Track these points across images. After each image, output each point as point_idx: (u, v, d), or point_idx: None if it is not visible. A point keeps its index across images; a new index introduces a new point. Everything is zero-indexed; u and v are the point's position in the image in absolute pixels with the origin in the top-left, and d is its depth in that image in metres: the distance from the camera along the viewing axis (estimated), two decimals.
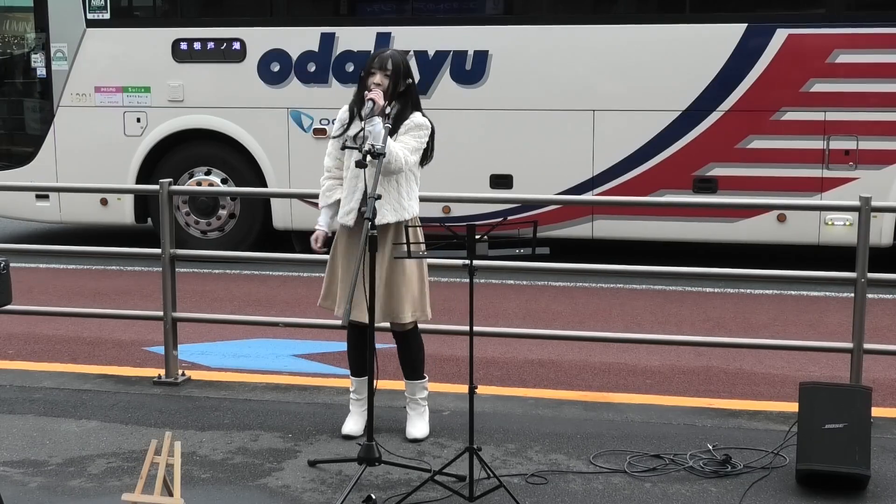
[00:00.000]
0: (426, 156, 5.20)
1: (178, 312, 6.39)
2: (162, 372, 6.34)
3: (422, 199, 5.26)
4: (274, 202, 10.32)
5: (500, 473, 4.73)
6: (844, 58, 9.17)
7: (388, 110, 4.97)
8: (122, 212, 10.43)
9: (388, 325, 5.26)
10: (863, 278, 5.59)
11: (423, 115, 5.17)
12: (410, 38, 9.79)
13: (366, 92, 4.99)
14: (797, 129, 9.28)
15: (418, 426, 5.34)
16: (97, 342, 7.49)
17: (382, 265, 5.06)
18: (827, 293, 8.82)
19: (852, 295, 5.69)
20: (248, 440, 5.36)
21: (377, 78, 5.03)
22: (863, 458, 4.70)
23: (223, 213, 10.47)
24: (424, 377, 5.38)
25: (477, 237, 4.61)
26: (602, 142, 9.66)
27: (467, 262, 4.64)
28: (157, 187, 6.27)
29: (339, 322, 5.08)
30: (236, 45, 10.20)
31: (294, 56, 10.09)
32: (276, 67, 10.13)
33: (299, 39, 10.08)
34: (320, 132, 9.97)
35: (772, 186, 9.29)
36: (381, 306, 5.05)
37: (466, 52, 9.82)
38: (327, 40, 10.03)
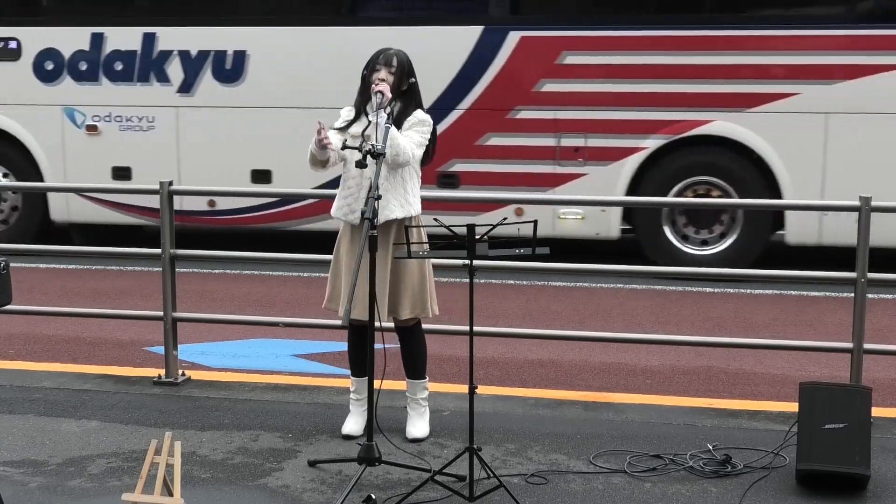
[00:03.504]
0: (427, 155, 5.20)
1: (178, 312, 6.39)
2: (162, 372, 6.34)
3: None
4: (51, 196, 10.74)
5: (500, 473, 4.73)
6: (572, 59, 9.61)
7: (387, 108, 4.96)
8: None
9: (391, 324, 5.25)
10: (863, 278, 5.60)
11: (425, 111, 5.17)
12: (174, 38, 10.35)
13: (373, 85, 4.99)
14: (531, 127, 9.73)
15: (418, 426, 5.34)
16: (97, 342, 7.49)
17: (387, 262, 5.06)
18: (827, 293, 8.82)
19: (852, 295, 5.69)
20: (248, 440, 5.36)
21: (382, 74, 5.05)
22: (863, 458, 4.70)
23: (5, 206, 10.94)
24: (425, 377, 5.38)
25: (477, 237, 4.61)
26: None
27: (467, 262, 4.64)
28: (156, 187, 6.29)
29: (339, 322, 5.07)
30: (12, 44, 10.63)
31: (67, 55, 10.48)
32: (50, 66, 10.55)
33: (71, 39, 10.47)
34: (92, 129, 10.43)
35: (510, 182, 9.73)
36: (384, 303, 5.05)
37: (226, 52, 10.26)
38: (97, 40, 10.42)
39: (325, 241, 9.68)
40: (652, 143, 9.59)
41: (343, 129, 5.16)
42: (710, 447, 5.14)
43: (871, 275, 5.62)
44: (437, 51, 9.66)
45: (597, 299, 8.88)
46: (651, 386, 6.51)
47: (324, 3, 10.46)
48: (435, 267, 5.45)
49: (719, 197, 9.54)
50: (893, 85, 9.18)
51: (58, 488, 4.79)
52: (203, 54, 10.28)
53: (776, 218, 9.61)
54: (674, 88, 9.51)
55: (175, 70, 10.36)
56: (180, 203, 10.26)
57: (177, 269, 6.40)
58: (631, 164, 9.63)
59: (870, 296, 5.76)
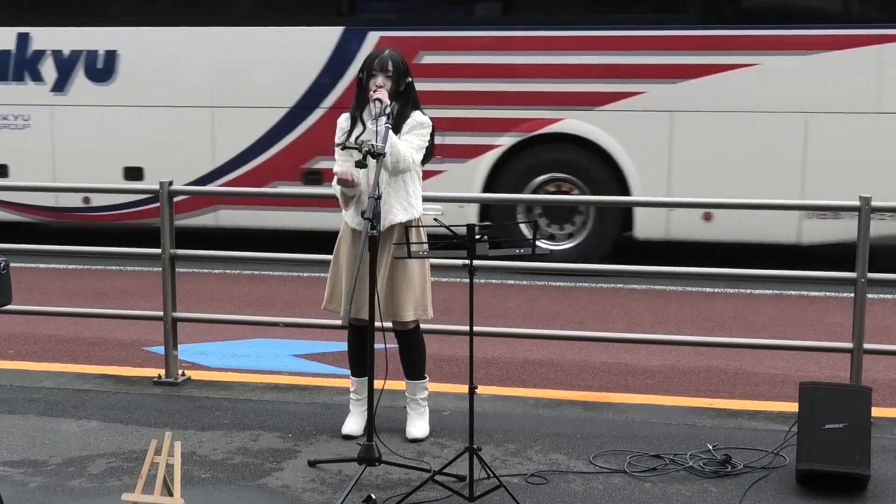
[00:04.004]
0: (429, 154, 5.20)
1: (178, 312, 6.39)
2: (162, 372, 6.34)
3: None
4: None
5: (500, 473, 4.73)
6: (429, 59, 9.75)
7: (387, 110, 4.96)
8: None
9: (390, 324, 5.26)
10: (863, 278, 5.60)
11: (423, 113, 5.17)
12: (48, 38, 10.49)
13: (371, 93, 4.99)
14: None
15: (418, 426, 5.34)
16: (97, 342, 7.49)
17: (386, 264, 5.06)
18: (827, 293, 8.82)
19: (852, 295, 5.69)
20: (248, 440, 5.36)
21: (379, 80, 5.03)
22: (863, 458, 4.70)
23: None
24: (425, 377, 5.38)
25: (477, 237, 4.61)
26: (222, 136, 10.32)
27: (467, 262, 4.64)
28: (156, 187, 6.29)
29: (339, 322, 5.07)
30: None
31: None
32: None
33: None
34: None
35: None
36: (384, 305, 5.05)
37: (97, 51, 10.45)
38: None
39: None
40: (506, 141, 9.83)
41: (345, 142, 5.11)
42: (710, 447, 5.15)
43: (871, 275, 5.62)
44: (301, 50, 10.08)
45: (597, 299, 8.88)
46: (651, 386, 6.51)
47: (190, 4, 10.66)
48: (435, 267, 5.46)
49: (577, 194, 9.81)
50: (736, 84, 9.41)
51: (58, 488, 4.79)
52: (76, 54, 10.48)
53: (626, 214, 9.84)
54: (526, 87, 9.73)
55: (49, 69, 10.55)
56: (56, 200, 10.65)
57: (177, 269, 6.40)
58: (487, 161, 9.88)
59: (870, 296, 5.76)
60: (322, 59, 10.02)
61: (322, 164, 9.97)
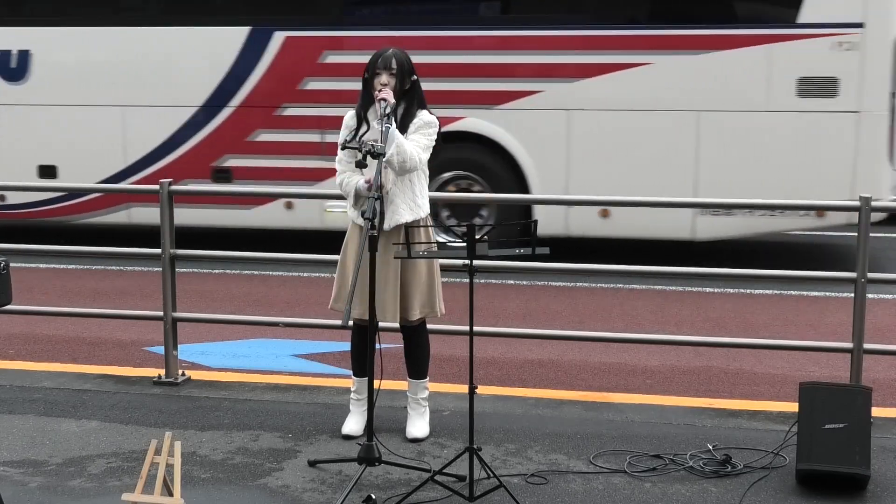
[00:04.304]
0: (435, 153, 5.20)
1: (178, 312, 6.39)
2: (162, 372, 6.34)
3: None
4: None
5: (500, 473, 4.73)
6: (333, 58, 10.04)
7: (388, 110, 4.95)
8: None
9: (394, 324, 5.25)
10: (863, 278, 5.60)
11: (430, 111, 5.16)
12: None
13: (376, 92, 4.98)
14: (297, 124, 10.21)
15: (419, 426, 5.34)
16: (97, 342, 7.49)
17: (394, 264, 5.06)
18: (827, 293, 8.82)
19: (852, 295, 5.69)
20: (248, 440, 5.36)
21: (383, 78, 5.03)
22: (863, 458, 4.70)
23: None
24: (427, 377, 5.38)
25: (477, 237, 4.61)
26: (132, 135, 10.51)
27: (467, 262, 4.64)
28: (156, 187, 6.29)
29: (339, 322, 5.08)
30: None
31: None
32: None
33: None
34: None
35: (279, 176, 10.13)
36: (394, 305, 5.07)
37: (10, 51, 10.64)
38: None
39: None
40: None
41: (351, 142, 5.10)
42: (710, 447, 5.15)
43: (871, 275, 5.62)
44: (210, 50, 10.28)
45: (597, 299, 8.88)
46: (651, 386, 6.51)
47: (101, 4, 10.79)
48: None
49: (480, 191, 9.96)
50: (630, 82, 9.56)
51: (58, 488, 4.79)
52: None
53: (525, 211, 9.93)
54: (427, 86, 9.82)
55: None
56: None
57: (177, 269, 6.40)
58: None
59: (870, 296, 5.76)
60: (230, 59, 10.21)
61: (231, 163, 10.32)
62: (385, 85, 4.99)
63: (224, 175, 10.34)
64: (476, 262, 4.64)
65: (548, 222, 9.64)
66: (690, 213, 9.42)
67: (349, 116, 5.22)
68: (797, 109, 9.29)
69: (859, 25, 9.13)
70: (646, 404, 5.94)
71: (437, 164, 10.02)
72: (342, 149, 5.10)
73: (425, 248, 5.00)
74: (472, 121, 9.86)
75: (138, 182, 10.35)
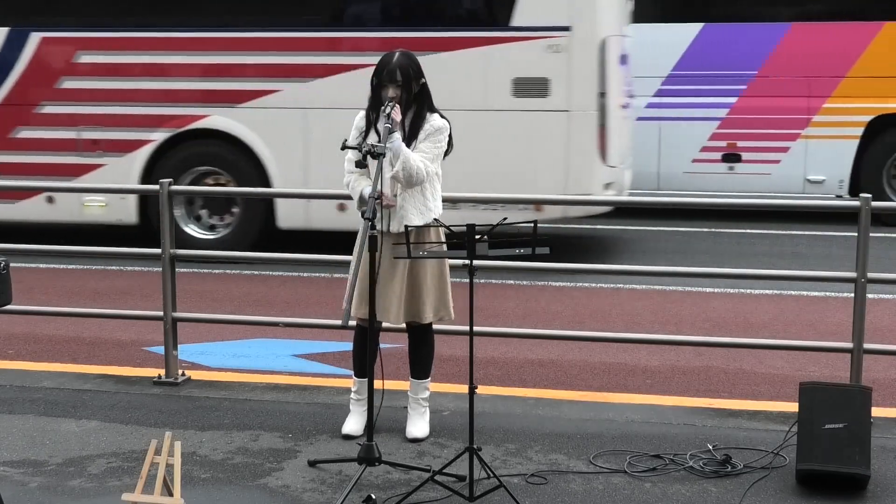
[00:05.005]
0: (446, 153, 5.20)
1: (178, 312, 6.39)
2: (162, 372, 6.34)
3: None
4: None
5: (500, 473, 4.73)
6: (87, 58, 10.48)
7: (396, 127, 4.93)
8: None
9: (395, 325, 5.25)
10: (863, 278, 5.60)
11: (441, 115, 5.14)
12: None
13: (382, 108, 4.94)
14: (55, 121, 10.59)
15: (419, 426, 5.34)
16: (97, 342, 7.49)
17: (401, 265, 5.05)
18: (827, 293, 8.82)
19: (852, 295, 5.69)
20: (248, 440, 5.36)
21: (390, 92, 5.01)
22: (863, 458, 4.70)
23: None
24: (429, 377, 5.38)
25: (477, 237, 4.61)
26: None
27: (467, 262, 4.64)
28: (156, 187, 6.30)
29: (338, 322, 5.08)
30: None
31: None
32: None
33: None
34: None
35: (39, 171, 10.54)
36: (403, 306, 5.07)
37: None
38: None
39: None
40: (159, 136, 10.45)
41: (359, 145, 5.09)
42: (710, 447, 5.15)
43: (871, 275, 5.62)
44: None
45: (597, 299, 8.88)
46: (651, 386, 6.51)
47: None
48: None
49: (231, 186, 10.30)
50: (358, 82, 9.56)
51: (58, 488, 4.79)
52: None
53: (269, 205, 10.39)
54: (175, 86, 10.41)
55: None
56: None
57: (177, 269, 6.40)
58: (143, 154, 10.48)
59: (870, 296, 5.76)
60: None
61: None
62: (392, 98, 4.96)
63: None
64: (476, 262, 4.64)
65: (290, 216, 10.30)
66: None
67: (359, 118, 5.22)
68: (513, 108, 9.71)
69: (566, 29, 9.57)
70: (646, 404, 5.94)
71: (185, 158, 10.38)
72: (341, 149, 5.10)
73: (426, 249, 5.00)
74: (217, 118, 10.31)
75: None
